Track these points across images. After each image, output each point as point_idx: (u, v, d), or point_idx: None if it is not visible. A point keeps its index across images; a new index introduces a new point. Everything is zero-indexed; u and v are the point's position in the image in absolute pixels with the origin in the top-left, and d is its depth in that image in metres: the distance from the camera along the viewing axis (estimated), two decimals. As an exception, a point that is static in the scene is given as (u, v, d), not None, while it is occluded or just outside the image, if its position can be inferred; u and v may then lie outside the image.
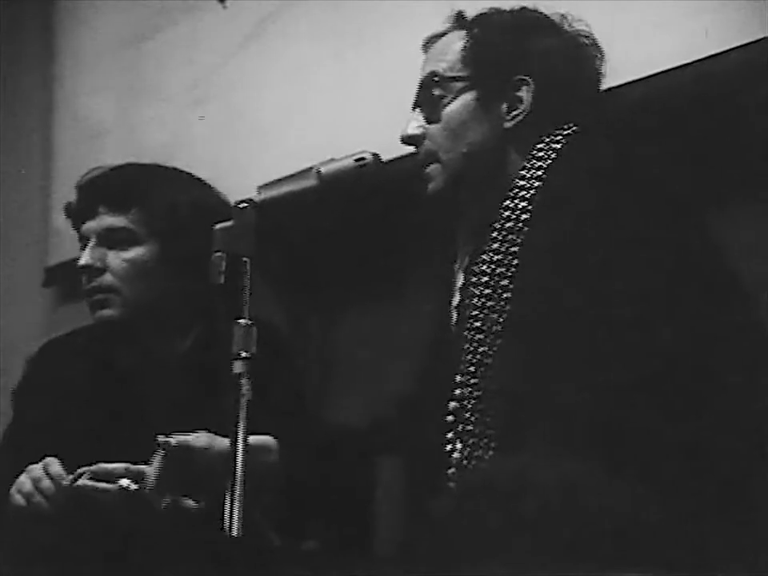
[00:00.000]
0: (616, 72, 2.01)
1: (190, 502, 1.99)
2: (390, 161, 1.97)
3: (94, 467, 2.06)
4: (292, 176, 1.89)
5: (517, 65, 1.92)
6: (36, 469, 2.09)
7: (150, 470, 2.00)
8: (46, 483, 2.07)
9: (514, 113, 1.92)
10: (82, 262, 2.31)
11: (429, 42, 2.02)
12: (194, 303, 2.32)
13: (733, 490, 1.64)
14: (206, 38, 3.20)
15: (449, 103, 1.94)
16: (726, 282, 1.76)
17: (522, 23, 1.96)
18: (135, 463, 2.07)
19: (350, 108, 2.79)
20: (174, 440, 1.96)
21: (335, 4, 2.90)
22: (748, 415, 1.68)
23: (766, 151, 2.21)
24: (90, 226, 2.33)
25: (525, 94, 1.91)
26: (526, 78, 1.91)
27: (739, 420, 1.68)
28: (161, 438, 1.96)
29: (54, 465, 2.08)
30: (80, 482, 2.05)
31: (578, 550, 1.53)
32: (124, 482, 2.04)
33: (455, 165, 1.93)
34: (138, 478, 2.03)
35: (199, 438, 1.96)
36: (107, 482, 2.04)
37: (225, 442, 1.94)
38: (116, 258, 2.31)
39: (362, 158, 1.87)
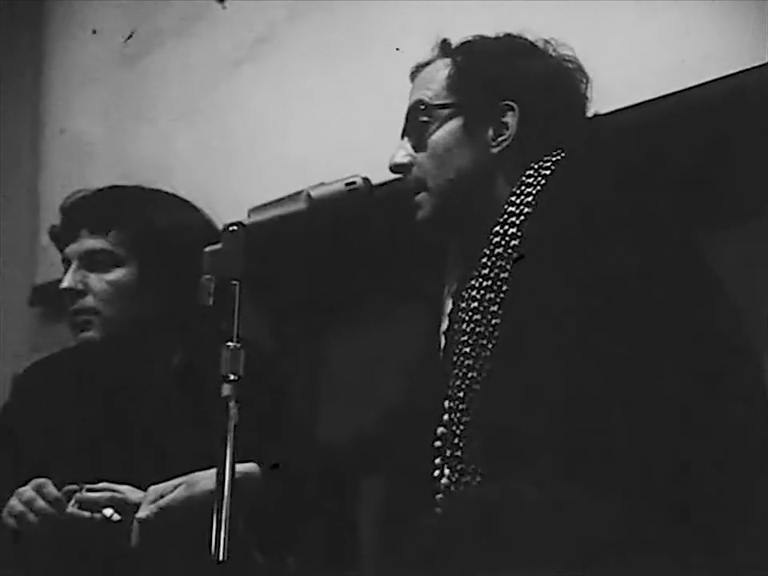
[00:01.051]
0: (604, 97, 2.02)
1: None
2: (381, 184, 1.97)
3: (78, 495, 2.06)
4: (282, 199, 1.88)
5: (502, 91, 1.92)
6: (27, 490, 2.08)
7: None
8: (40, 504, 2.06)
9: (500, 138, 1.92)
10: (64, 284, 2.31)
11: (416, 71, 2.02)
12: (178, 325, 2.31)
13: (722, 508, 1.65)
14: (197, 57, 3.20)
15: (435, 131, 1.94)
16: (722, 305, 1.76)
17: (507, 49, 1.96)
18: (120, 483, 2.08)
19: (342, 130, 2.79)
20: (149, 513, 1.97)
21: (328, 25, 2.90)
22: (740, 431, 1.69)
23: (754, 175, 2.23)
24: (72, 248, 2.33)
25: (510, 119, 1.91)
26: (512, 103, 1.91)
27: (732, 436, 1.68)
28: (139, 516, 1.96)
29: (48, 486, 2.08)
30: (66, 509, 2.05)
31: (566, 570, 1.53)
32: (108, 511, 2.04)
33: (443, 192, 1.93)
34: (121, 507, 2.03)
35: (177, 495, 1.96)
36: (92, 510, 2.04)
37: (202, 481, 1.96)
38: (97, 281, 2.31)
39: (353, 182, 1.87)
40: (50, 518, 2.06)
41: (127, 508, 2.02)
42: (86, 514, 2.05)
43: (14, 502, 2.08)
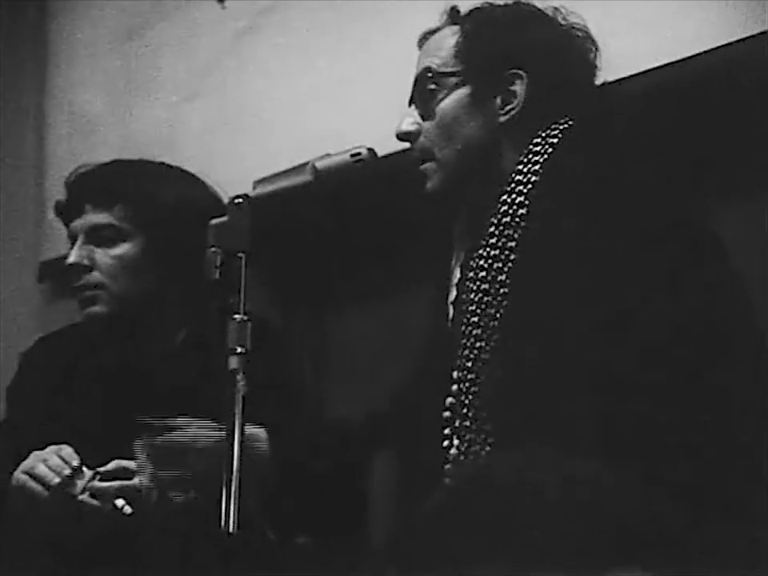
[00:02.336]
0: (613, 66, 2.00)
1: (188, 495, 2.01)
2: (386, 156, 1.96)
3: (89, 485, 2.07)
4: (287, 171, 1.88)
5: (510, 59, 1.90)
6: (49, 453, 2.09)
7: (143, 470, 2.03)
8: (57, 461, 2.08)
9: (508, 107, 1.91)
10: (70, 260, 2.31)
11: (423, 38, 2.01)
12: (184, 298, 2.31)
13: (733, 488, 1.64)
14: (200, 32, 3.19)
15: (442, 99, 1.93)
16: (727, 278, 1.75)
17: (515, 17, 1.95)
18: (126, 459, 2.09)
19: (347, 102, 2.78)
20: (158, 442, 1.99)
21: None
22: (746, 414, 1.68)
23: (764, 147, 2.21)
24: (78, 223, 2.33)
25: (518, 88, 1.90)
26: (520, 72, 1.90)
27: (738, 418, 1.67)
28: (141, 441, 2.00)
29: (66, 449, 2.10)
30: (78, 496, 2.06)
31: (577, 547, 1.52)
32: (119, 502, 2.05)
33: (451, 162, 1.92)
34: (133, 497, 2.04)
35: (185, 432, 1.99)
36: (104, 500, 2.05)
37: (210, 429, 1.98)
38: (103, 255, 2.31)
39: (358, 153, 1.86)
40: (61, 493, 2.07)
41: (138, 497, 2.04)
42: (95, 503, 2.06)
43: (36, 463, 2.09)
